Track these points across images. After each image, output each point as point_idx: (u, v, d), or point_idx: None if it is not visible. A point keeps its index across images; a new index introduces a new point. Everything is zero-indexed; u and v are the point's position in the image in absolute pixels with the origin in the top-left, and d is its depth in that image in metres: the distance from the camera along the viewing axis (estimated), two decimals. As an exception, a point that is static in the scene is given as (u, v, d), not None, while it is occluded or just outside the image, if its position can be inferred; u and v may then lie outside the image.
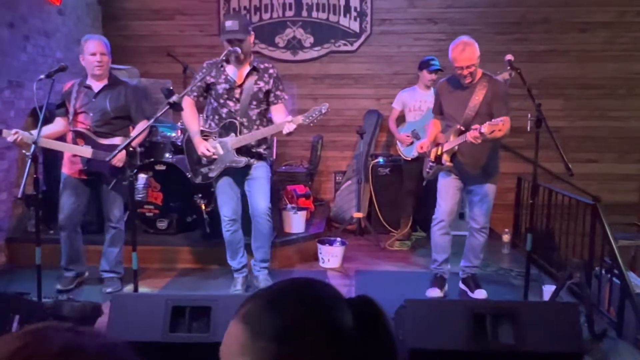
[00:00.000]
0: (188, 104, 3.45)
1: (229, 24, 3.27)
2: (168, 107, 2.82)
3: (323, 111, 3.10)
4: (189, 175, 3.70)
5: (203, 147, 3.40)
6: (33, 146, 2.88)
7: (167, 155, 4.60)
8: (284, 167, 5.72)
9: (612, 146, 5.84)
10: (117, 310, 2.37)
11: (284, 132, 3.20)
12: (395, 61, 5.88)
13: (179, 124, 4.77)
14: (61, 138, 3.59)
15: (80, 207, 3.60)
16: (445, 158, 3.45)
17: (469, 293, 3.67)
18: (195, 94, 3.48)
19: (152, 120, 2.93)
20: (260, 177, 3.45)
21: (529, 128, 3.03)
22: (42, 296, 3.09)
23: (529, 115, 3.05)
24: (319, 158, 5.79)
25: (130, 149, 2.99)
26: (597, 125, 5.82)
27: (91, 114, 3.46)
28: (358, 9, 5.84)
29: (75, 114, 3.46)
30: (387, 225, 5.42)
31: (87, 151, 3.39)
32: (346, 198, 5.61)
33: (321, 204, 5.77)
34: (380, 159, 5.55)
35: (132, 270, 2.85)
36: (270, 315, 0.72)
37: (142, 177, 3.19)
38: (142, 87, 4.71)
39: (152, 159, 4.45)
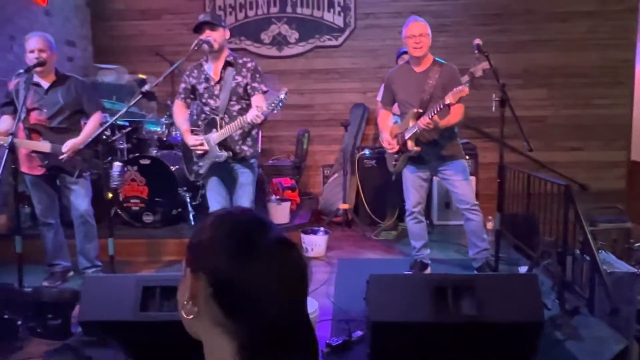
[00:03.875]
0: (177, 105, 3.62)
1: (201, 17, 3.36)
2: (141, 95, 2.89)
3: (282, 96, 3.04)
4: (189, 176, 3.76)
5: (191, 139, 3.45)
6: (10, 137, 2.96)
7: (152, 150, 4.67)
8: (271, 162, 5.79)
9: (598, 134, 5.88)
10: (89, 291, 2.43)
11: (248, 120, 3.17)
12: (380, 54, 5.94)
13: (163, 119, 4.84)
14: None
15: (54, 199, 3.67)
16: (410, 144, 3.48)
17: None
18: (182, 96, 3.59)
19: (120, 114, 2.99)
20: (246, 184, 3.53)
21: (493, 109, 3.07)
22: (25, 285, 3.16)
23: (493, 96, 3.08)
24: (306, 151, 5.84)
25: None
26: (581, 113, 5.86)
27: (45, 110, 3.49)
28: (342, 4, 5.90)
29: (28, 111, 3.46)
30: (374, 217, 5.46)
31: (45, 146, 3.43)
32: (333, 190, 5.67)
33: (310, 198, 5.82)
34: (367, 151, 5.60)
35: (109, 255, 2.91)
36: (196, 232, 0.87)
37: (117, 165, 3.25)
38: (90, 81, 4.77)
39: (137, 154, 4.52)
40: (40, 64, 3.36)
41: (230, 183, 3.62)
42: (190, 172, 3.61)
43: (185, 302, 0.85)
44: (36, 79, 3.48)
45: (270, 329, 0.81)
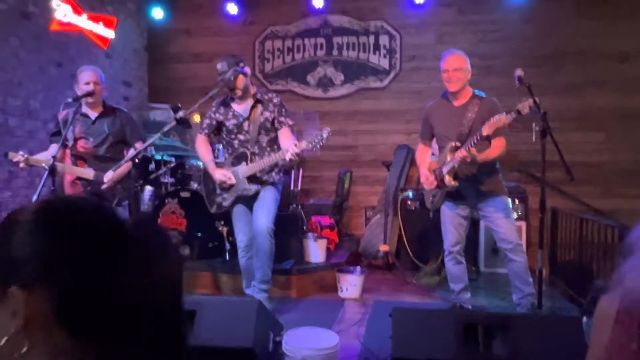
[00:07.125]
0: (201, 140, 3.71)
1: (218, 65, 3.54)
2: (175, 122, 2.95)
3: (324, 135, 3.16)
4: (210, 208, 3.79)
5: (219, 174, 3.52)
6: (52, 159, 3.07)
7: (193, 184, 4.74)
8: (312, 200, 5.75)
9: (663, 181, 5.46)
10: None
11: (287, 157, 3.21)
12: (426, 96, 5.84)
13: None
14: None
15: None
16: (448, 179, 3.34)
17: None
18: (206, 131, 3.70)
19: (153, 139, 3.04)
20: (266, 197, 3.50)
21: (534, 138, 2.90)
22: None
23: (534, 125, 2.92)
24: (347, 190, 5.76)
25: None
26: (644, 159, 5.49)
27: (91, 139, 3.64)
28: (387, 47, 5.94)
29: (75, 139, 3.62)
30: (416, 261, 5.24)
31: (89, 173, 3.56)
32: (375, 232, 5.51)
33: (350, 239, 5.69)
34: (410, 193, 5.45)
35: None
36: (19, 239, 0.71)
37: (148, 190, 3.29)
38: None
39: (178, 187, 4.60)
40: (89, 94, 3.53)
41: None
42: (212, 203, 3.64)
43: (13, 333, 0.62)
44: (84, 109, 3.66)
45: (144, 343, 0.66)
